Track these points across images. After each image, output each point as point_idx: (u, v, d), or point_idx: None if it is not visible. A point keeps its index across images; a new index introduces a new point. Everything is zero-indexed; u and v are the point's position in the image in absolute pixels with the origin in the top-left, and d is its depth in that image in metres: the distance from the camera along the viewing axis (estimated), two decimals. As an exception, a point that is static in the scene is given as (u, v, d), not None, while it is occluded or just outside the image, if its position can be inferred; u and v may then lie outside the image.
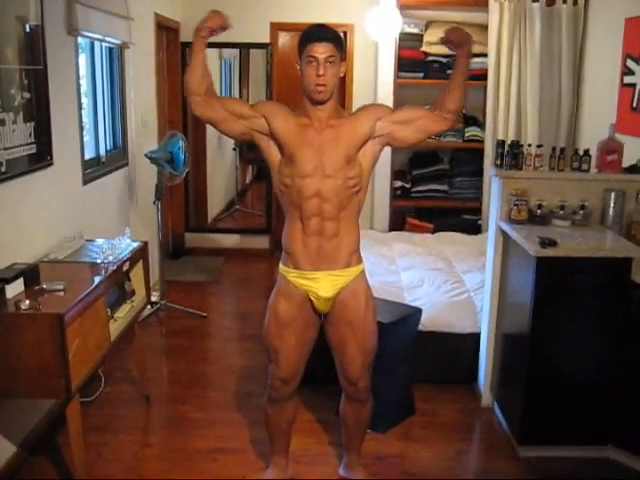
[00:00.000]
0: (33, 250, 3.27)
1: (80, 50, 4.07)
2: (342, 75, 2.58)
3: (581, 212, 3.44)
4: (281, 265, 2.73)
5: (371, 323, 2.76)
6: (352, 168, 2.59)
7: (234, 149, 8.21)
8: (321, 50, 2.47)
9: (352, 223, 2.68)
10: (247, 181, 9.03)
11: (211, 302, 5.60)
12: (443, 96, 2.64)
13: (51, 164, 3.48)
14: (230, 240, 6.86)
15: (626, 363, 3.14)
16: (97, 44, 4.46)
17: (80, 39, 4.00)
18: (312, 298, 2.69)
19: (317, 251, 2.62)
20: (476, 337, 3.88)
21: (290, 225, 2.67)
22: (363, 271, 2.76)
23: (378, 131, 2.62)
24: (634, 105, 4.36)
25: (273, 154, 2.64)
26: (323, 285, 2.65)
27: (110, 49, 4.67)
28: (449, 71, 5.86)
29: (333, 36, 2.52)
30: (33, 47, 3.28)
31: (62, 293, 2.77)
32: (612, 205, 3.43)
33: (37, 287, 2.78)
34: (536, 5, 5.62)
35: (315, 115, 2.58)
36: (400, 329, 3.50)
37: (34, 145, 3.27)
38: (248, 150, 8.23)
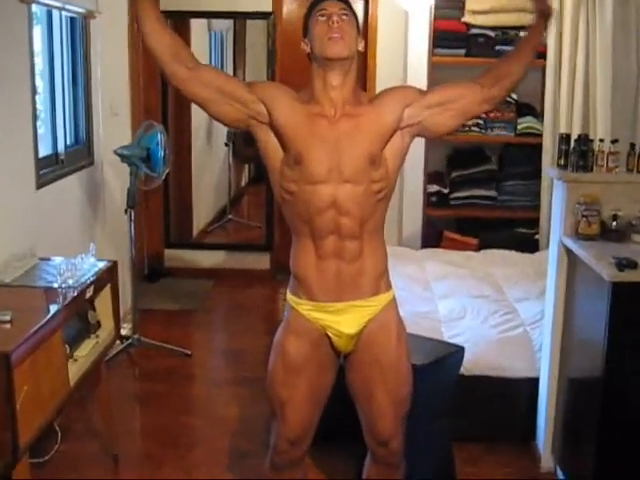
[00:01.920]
0: (-27, 271, 3.26)
1: (34, 21, 4.08)
2: (361, 49, 2.58)
3: (668, 225, 3.41)
4: (290, 295, 2.69)
5: (405, 364, 2.73)
6: (377, 169, 2.56)
7: (226, 144, 8.21)
8: (332, 4, 2.51)
9: (377, 239, 2.65)
10: (242, 184, 9.03)
11: (196, 337, 5.59)
12: (499, 66, 2.67)
13: (-4, 163, 3.49)
14: (221, 258, 6.86)
15: None
16: (56, 13, 4.48)
17: (35, 7, 4.01)
18: (331, 335, 2.65)
19: (336, 277, 2.59)
20: (533, 383, 3.85)
21: (299, 245, 2.63)
22: (394, 299, 2.74)
23: (407, 120, 2.60)
24: None
25: (273, 150, 2.59)
26: (345, 319, 2.62)
27: (72, 20, 4.69)
28: (498, 47, 5.87)
29: None
30: (-24, 16, 3.29)
31: (8, 325, 2.75)
32: None
33: (-23, 318, 2.77)
34: (608, -37, 5.61)
35: (328, 98, 2.54)
36: (437, 373, 3.46)
37: (-25, 139, 3.27)
38: (244, 145, 8.23)
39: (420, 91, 2.69)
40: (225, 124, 2.74)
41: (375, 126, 2.56)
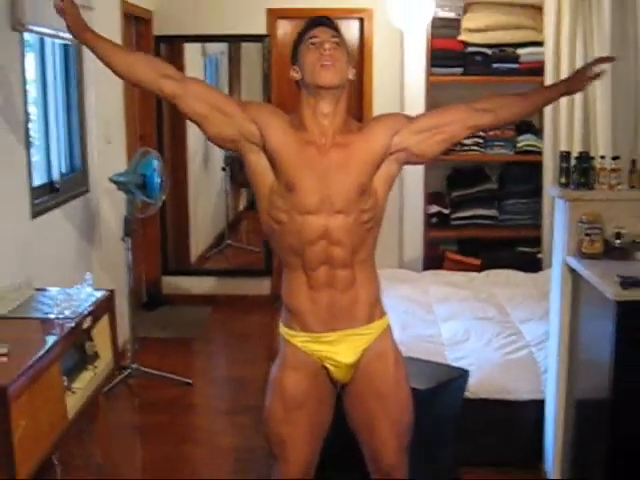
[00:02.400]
0: (-32, 303, 3.25)
1: (27, 48, 4.10)
2: (352, 77, 2.59)
3: (672, 242, 3.41)
4: (284, 328, 2.66)
5: (405, 391, 2.71)
6: (367, 199, 2.56)
7: (223, 169, 8.22)
8: (323, 31, 2.53)
9: (369, 267, 2.66)
10: (240, 208, 9.03)
11: (196, 365, 5.57)
12: (503, 100, 2.70)
13: (-10, 193, 3.49)
14: (220, 285, 6.85)
15: None
16: (48, 41, 4.50)
17: (27, 35, 4.03)
18: (329, 366, 2.63)
19: (329, 307, 2.58)
20: (540, 405, 3.83)
21: (290, 277, 2.61)
22: (389, 326, 2.72)
23: (395, 146, 2.60)
24: None
25: (262, 174, 2.55)
26: (342, 349, 2.61)
27: (65, 47, 4.71)
28: (495, 65, 5.90)
29: (335, 24, 2.58)
30: (-33, 46, 3.30)
31: (5, 359, 2.73)
32: None
33: (-27, 351, 2.76)
34: (604, -20, 5.64)
35: (318, 127, 2.53)
36: (441, 397, 3.46)
37: (-32, 169, 3.28)
38: (241, 170, 8.24)
39: (409, 118, 2.70)
40: (220, 145, 2.67)
41: (365, 155, 2.56)
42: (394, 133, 2.59)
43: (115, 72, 2.58)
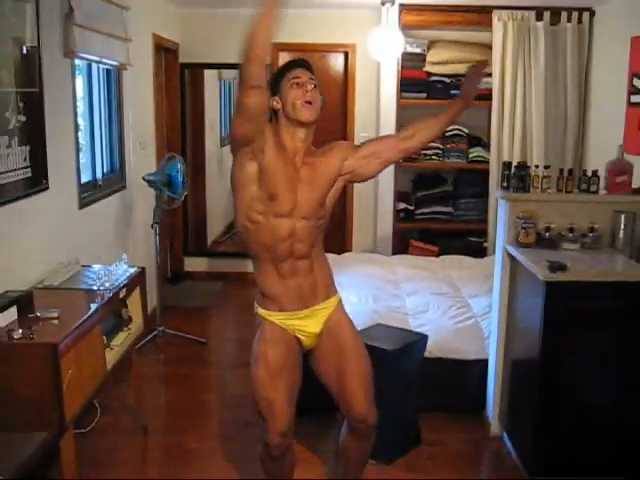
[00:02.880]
0: (27, 276, 3.24)
1: (77, 72, 4.08)
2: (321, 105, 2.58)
3: (591, 235, 3.41)
4: (261, 310, 2.65)
5: (363, 349, 2.75)
6: (322, 209, 2.62)
7: (234, 171, 8.21)
8: (304, 73, 2.53)
9: (322, 258, 2.72)
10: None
11: (211, 328, 5.56)
12: (419, 126, 2.71)
13: (46, 188, 3.47)
14: (230, 264, 6.82)
15: (640, 391, 3.09)
16: (94, 66, 4.47)
17: (77, 61, 4.00)
18: (301, 336, 2.66)
19: (297, 291, 2.61)
20: (484, 364, 3.83)
21: (262, 269, 2.62)
22: (341, 300, 2.77)
23: (345, 169, 2.66)
24: (642, 125, 4.35)
25: (248, 180, 2.50)
26: (310, 322, 2.65)
27: (107, 70, 4.68)
28: (453, 91, 5.89)
29: (312, 67, 2.58)
30: (29, 69, 3.27)
31: (56, 321, 2.73)
32: (622, 227, 3.39)
33: (31, 315, 2.75)
34: (540, 24, 5.63)
35: (294, 149, 2.54)
36: (405, 356, 3.46)
37: (29, 169, 3.25)
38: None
39: (355, 146, 2.76)
40: (236, 138, 2.47)
41: (326, 174, 2.61)
42: (344, 159, 2.65)
43: (258, 50, 2.28)
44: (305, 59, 2.62)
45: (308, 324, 2.65)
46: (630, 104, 4.56)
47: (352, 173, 2.68)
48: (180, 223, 6.69)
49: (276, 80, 2.56)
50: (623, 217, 3.39)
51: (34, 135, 3.32)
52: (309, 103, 2.49)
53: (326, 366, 2.71)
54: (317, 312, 2.65)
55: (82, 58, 4.02)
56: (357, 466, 2.93)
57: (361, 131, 6.29)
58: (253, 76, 2.28)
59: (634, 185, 3.53)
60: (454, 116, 2.73)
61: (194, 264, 6.81)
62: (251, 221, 2.54)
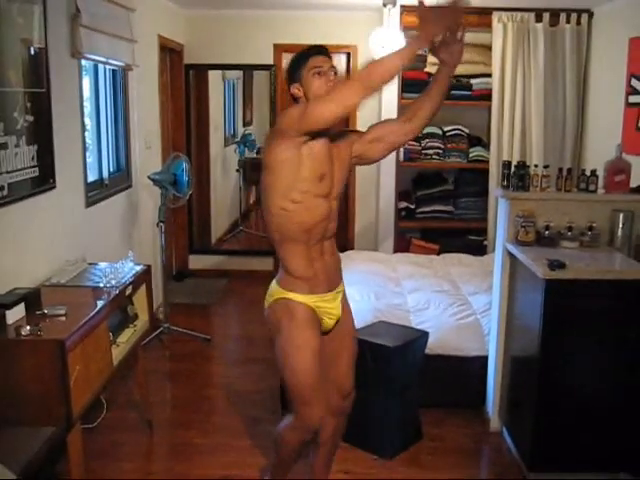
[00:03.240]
0: (35, 274, 3.24)
1: (84, 72, 4.07)
2: None
3: (589, 233, 3.40)
4: (291, 294, 2.58)
5: (355, 331, 2.85)
6: (344, 189, 2.70)
7: (237, 170, 8.21)
8: (325, 61, 2.51)
9: (334, 240, 2.74)
10: (251, 202, 9.01)
11: (215, 325, 5.56)
12: (415, 105, 2.61)
13: (54, 187, 3.46)
14: (234, 262, 6.83)
15: (639, 387, 3.08)
16: (101, 66, 4.46)
17: (84, 61, 4.00)
18: (326, 319, 2.67)
19: (325, 272, 2.63)
20: (484, 360, 3.83)
21: (295, 251, 2.57)
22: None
23: (354, 153, 2.68)
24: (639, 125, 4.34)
25: (299, 161, 2.45)
26: (335, 304, 2.68)
27: (114, 71, 4.67)
28: (453, 91, 5.87)
29: (329, 53, 2.56)
30: (37, 70, 3.27)
31: (63, 318, 2.73)
32: (620, 226, 3.39)
33: (38, 312, 2.74)
34: (539, 25, 5.62)
35: (323, 134, 2.51)
36: (407, 353, 3.45)
37: (37, 168, 3.25)
38: (252, 171, 8.22)
39: (361, 132, 2.75)
40: (324, 124, 2.40)
41: (347, 157, 2.65)
42: (352, 143, 2.66)
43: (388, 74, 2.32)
44: (323, 45, 2.57)
45: (333, 307, 2.67)
46: (628, 104, 4.55)
47: (359, 157, 2.69)
48: (185, 221, 6.68)
49: (296, 67, 2.53)
50: (621, 216, 3.38)
51: (41, 135, 3.32)
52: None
53: (332, 345, 2.72)
54: (337, 294, 2.69)
55: (88, 59, 4.02)
56: (334, 448, 2.95)
57: (363, 131, 6.28)
58: (372, 88, 2.30)
59: (632, 184, 3.52)
60: (443, 85, 2.54)
61: (199, 262, 6.81)
62: (292, 201, 2.48)
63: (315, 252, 2.59)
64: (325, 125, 2.38)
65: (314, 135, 2.44)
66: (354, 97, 2.29)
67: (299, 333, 2.56)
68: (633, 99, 4.48)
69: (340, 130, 2.73)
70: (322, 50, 2.54)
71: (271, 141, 2.50)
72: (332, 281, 2.66)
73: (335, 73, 2.52)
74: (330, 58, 2.54)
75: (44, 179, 3.35)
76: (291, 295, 2.59)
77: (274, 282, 2.67)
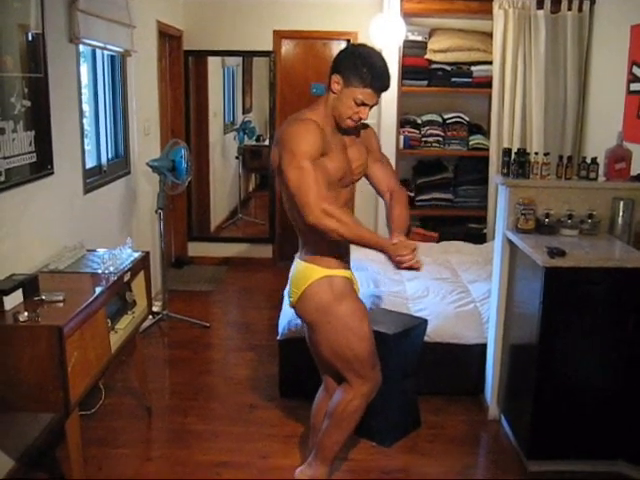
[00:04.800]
0: (33, 260, 3.23)
1: (82, 58, 4.04)
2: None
3: (589, 221, 3.39)
4: (333, 271, 2.65)
5: None
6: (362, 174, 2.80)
7: (237, 157, 8.19)
8: (376, 98, 2.56)
9: None
10: (250, 189, 9.00)
11: (214, 312, 5.56)
12: (393, 206, 2.92)
13: (52, 173, 3.45)
14: (233, 249, 6.82)
15: (637, 375, 3.08)
16: (99, 52, 4.43)
17: (82, 47, 3.97)
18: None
19: (347, 250, 2.76)
20: (483, 348, 3.83)
21: None
22: None
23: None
24: (641, 112, 4.31)
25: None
26: (355, 279, 2.83)
27: (112, 57, 4.64)
28: (453, 79, 5.86)
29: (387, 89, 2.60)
30: (34, 55, 3.25)
31: (62, 304, 2.72)
32: (621, 214, 3.38)
33: (36, 298, 2.74)
34: (541, 12, 5.58)
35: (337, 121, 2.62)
36: (405, 341, 3.45)
37: (34, 154, 3.23)
38: (252, 158, 8.20)
39: (377, 145, 2.86)
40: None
41: (363, 150, 2.76)
42: (368, 147, 2.80)
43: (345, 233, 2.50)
44: (388, 82, 2.58)
45: (355, 282, 2.82)
46: (629, 92, 4.52)
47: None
48: (184, 208, 6.67)
49: (354, 72, 2.50)
50: (622, 204, 3.37)
51: (39, 120, 3.29)
52: (356, 122, 2.59)
53: None
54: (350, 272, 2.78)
55: (86, 44, 3.99)
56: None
57: (363, 118, 6.25)
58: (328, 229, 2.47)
59: (633, 172, 3.51)
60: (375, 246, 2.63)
61: (198, 249, 6.80)
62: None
63: None
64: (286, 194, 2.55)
65: (326, 151, 2.52)
66: (313, 218, 2.41)
67: (352, 304, 2.69)
68: (634, 87, 4.45)
69: (366, 126, 2.81)
70: (382, 89, 2.56)
71: (281, 154, 2.53)
72: (349, 259, 2.77)
73: (371, 108, 2.58)
74: (380, 96, 2.58)
75: (42, 165, 3.33)
76: (332, 272, 2.66)
77: (304, 265, 2.69)
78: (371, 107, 2.58)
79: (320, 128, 2.52)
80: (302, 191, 2.42)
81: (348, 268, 2.75)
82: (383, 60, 2.57)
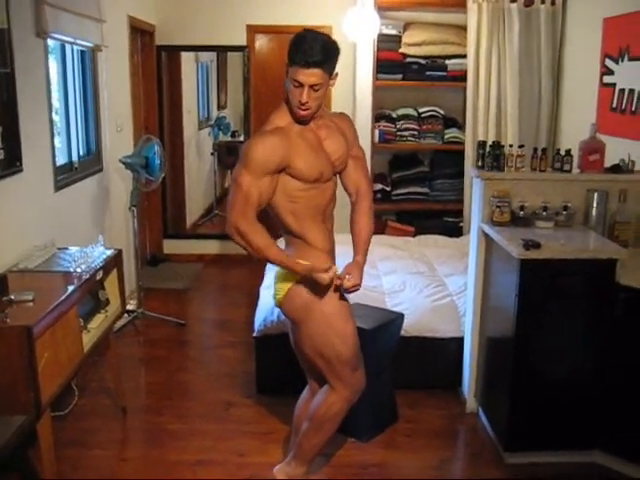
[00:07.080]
0: (1, 259, 3.17)
1: (50, 53, 3.97)
2: (332, 87, 2.58)
3: (564, 213, 3.40)
4: (333, 265, 2.66)
5: None
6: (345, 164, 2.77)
7: (212, 153, 8.12)
8: (307, 76, 2.39)
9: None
10: (226, 186, 8.93)
11: (190, 309, 5.51)
12: (356, 212, 2.91)
13: (20, 170, 3.39)
14: (209, 246, 6.77)
15: (612, 366, 3.09)
16: (68, 47, 4.36)
17: (50, 41, 3.90)
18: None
19: (332, 246, 2.76)
20: (459, 342, 3.83)
21: (316, 229, 2.65)
22: None
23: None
24: (614, 105, 4.34)
25: (287, 179, 2.55)
26: None
27: (82, 52, 4.58)
28: (428, 72, 5.87)
29: (322, 60, 2.39)
30: (0, 50, 3.18)
31: (31, 304, 2.68)
32: (595, 205, 3.39)
33: (5, 298, 2.69)
34: (514, 6, 5.59)
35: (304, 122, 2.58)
36: (382, 335, 3.44)
37: (2, 151, 3.17)
38: (227, 155, 8.14)
39: (356, 141, 2.82)
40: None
41: (341, 138, 2.70)
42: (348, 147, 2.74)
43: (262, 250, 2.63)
44: (317, 50, 2.37)
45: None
46: (602, 84, 4.54)
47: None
48: (159, 205, 6.60)
49: (288, 54, 2.44)
50: (596, 195, 3.39)
51: (6, 116, 3.23)
52: (305, 110, 2.48)
53: None
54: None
55: (54, 39, 3.93)
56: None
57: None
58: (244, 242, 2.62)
59: (606, 164, 3.52)
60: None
61: (173, 246, 6.74)
62: (299, 197, 2.57)
63: (330, 227, 2.74)
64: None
65: (292, 157, 2.49)
66: (228, 230, 2.57)
67: (337, 303, 2.66)
68: (607, 79, 4.48)
69: (344, 117, 2.79)
70: (311, 61, 2.37)
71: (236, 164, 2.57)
72: (334, 257, 2.75)
73: (317, 89, 2.43)
74: (320, 67, 2.39)
75: (10, 162, 3.27)
76: (333, 267, 2.65)
77: None
78: (316, 90, 2.42)
79: (282, 136, 2.49)
80: (230, 204, 2.51)
81: (333, 264, 2.70)
82: (317, 37, 2.40)
